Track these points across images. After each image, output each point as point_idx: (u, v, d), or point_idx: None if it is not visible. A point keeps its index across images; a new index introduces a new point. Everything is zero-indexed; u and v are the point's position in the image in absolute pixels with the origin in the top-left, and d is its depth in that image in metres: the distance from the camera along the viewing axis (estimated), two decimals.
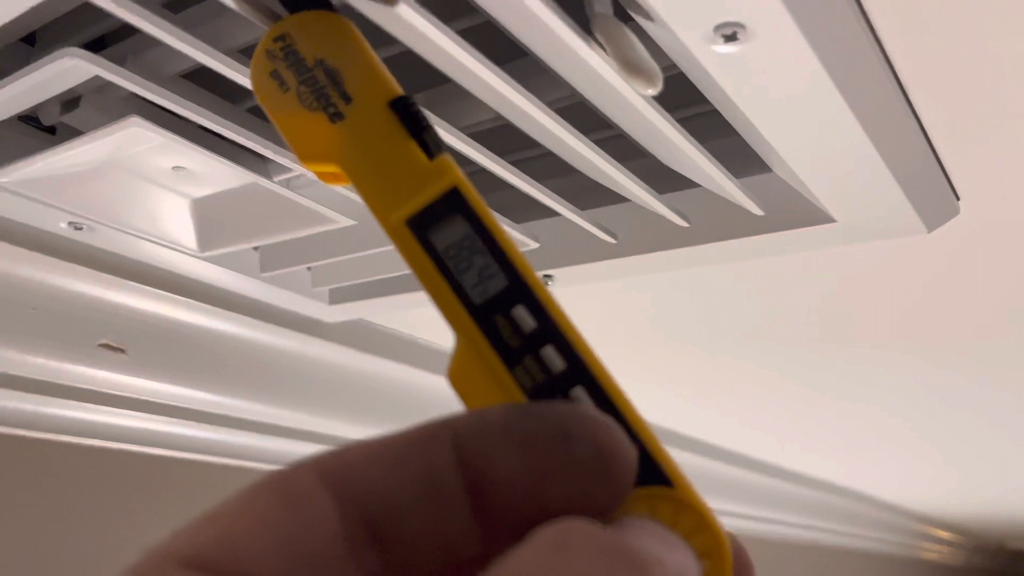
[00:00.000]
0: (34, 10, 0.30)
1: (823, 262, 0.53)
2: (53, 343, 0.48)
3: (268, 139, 0.36)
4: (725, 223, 0.43)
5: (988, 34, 0.33)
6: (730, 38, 0.28)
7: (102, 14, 0.30)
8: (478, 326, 0.19)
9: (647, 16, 0.28)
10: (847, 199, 0.40)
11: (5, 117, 0.35)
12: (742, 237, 0.43)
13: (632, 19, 0.29)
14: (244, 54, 0.32)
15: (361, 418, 0.68)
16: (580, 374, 0.19)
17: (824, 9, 0.29)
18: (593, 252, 0.46)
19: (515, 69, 0.33)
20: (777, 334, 0.70)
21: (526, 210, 0.47)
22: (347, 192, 0.43)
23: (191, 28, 0.30)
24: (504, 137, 0.40)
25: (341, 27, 0.22)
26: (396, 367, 0.68)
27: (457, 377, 0.19)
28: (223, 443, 0.63)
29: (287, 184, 0.42)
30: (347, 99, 0.21)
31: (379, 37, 0.29)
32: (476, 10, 0.29)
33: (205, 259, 0.48)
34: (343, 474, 0.17)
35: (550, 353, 0.19)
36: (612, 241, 0.46)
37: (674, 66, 0.32)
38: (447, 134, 0.35)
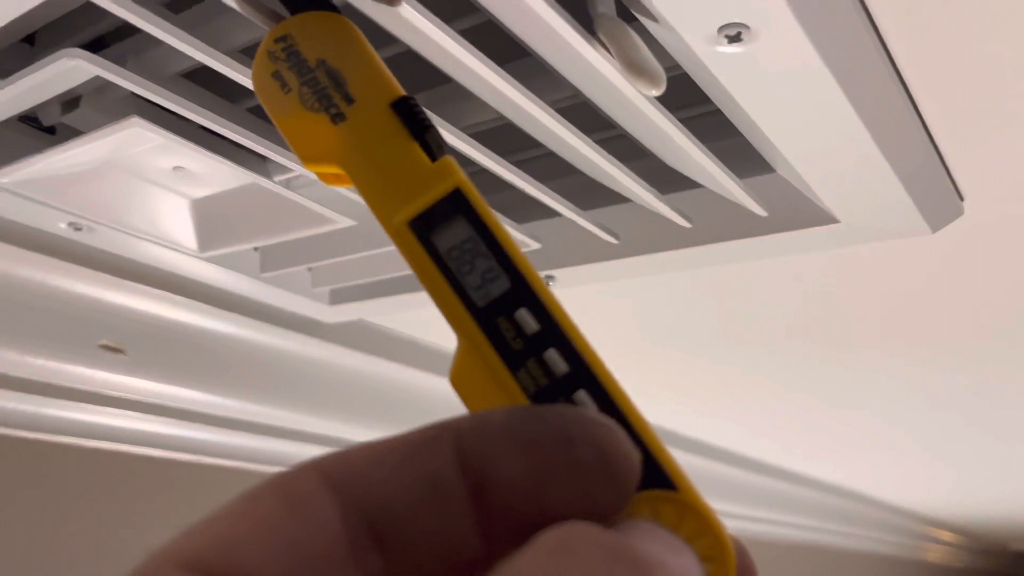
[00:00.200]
0: (34, 10, 0.30)
1: (823, 263, 0.53)
2: (53, 344, 0.48)
3: (268, 139, 0.36)
4: (728, 224, 0.43)
5: (991, 36, 0.33)
6: (734, 39, 0.28)
7: (102, 14, 0.29)
8: (480, 329, 0.19)
9: (651, 17, 0.28)
10: (851, 200, 0.40)
11: (5, 117, 0.35)
12: (745, 238, 0.43)
13: (635, 19, 0.29)
14: (245, 54, 0.32)
15: (362, 419, 0.68)
16: (583, 377, 0.19)
17: (828, 10, 0.29)
18: (595, 253, 0.46)
19: (517, 69, 0.33)
20: (777, 336, 0.70)
21: (528, 210, 0.47)
22: (347, 192, 0.43)
23: (192, 28, 0.30)
24: (506, 137, 0.40)
25: (343, 28, 0.22)
26: (396, 368, 0.68)
27: (459, 379, 0.19)
28: (223, 444, 0.63)
29: (287, 184, 0.42)
30: (349, 100, 0.21)
31: (381, 37, 0.29)
32: (478, 10, 0.29)
33: (205, 259, 0.48)
34: (345, 476, 0.17)
35: (553, 356, 0.19)
36: (614, 242, 0.46)
37: (677, 66, 0.32)
38: (449, 134, 0.35)
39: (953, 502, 1.95)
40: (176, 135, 0.35)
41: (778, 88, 0.31)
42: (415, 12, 0.27)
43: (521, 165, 0.40)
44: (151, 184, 0.41)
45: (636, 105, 0.33)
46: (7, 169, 0.37)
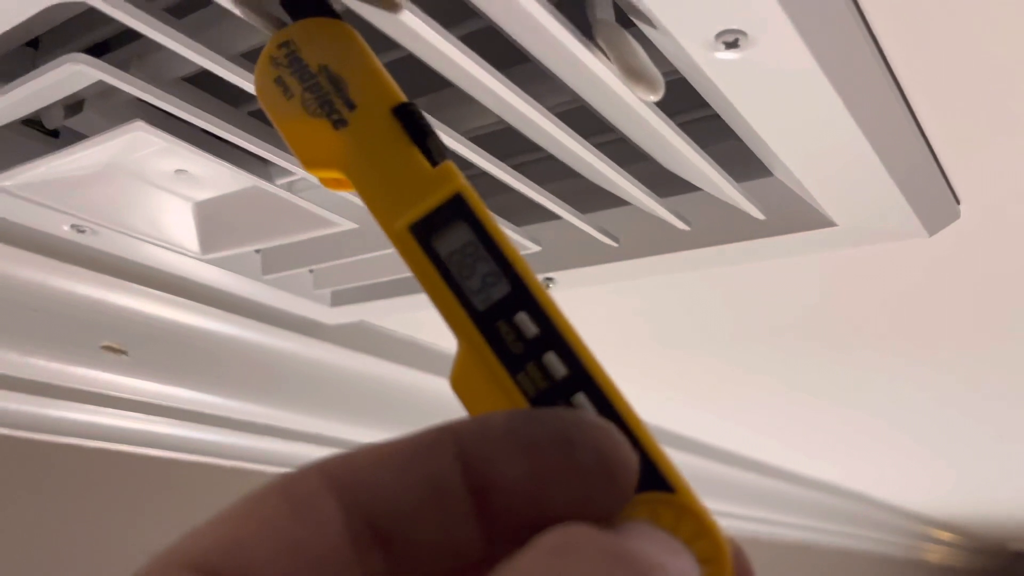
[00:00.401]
0: (39, 15, 0.30)
1: (824, 264, 0.53)
2: (55, 345, 0.48)
3: (270, 143, 0.36)
4: (726, 227, 0.43)
5: (987, 39, 0.33)
6: (731, 45, 0.28)
7: (107, 19, 0.30)
8: (481, 332, 0.19)
9: (649, 23, 0.28)
10: (848, 203, 0.40)
11: (9, 121, 0.35)
12: (743, 241, 0.43)
13: (634, 25, 0.29)
14: (247, 58, 0.32)
15: (363, 420, 0.68)
16: (582, 380, 0.19)
17: (825, 16, 0.29)
18: (595, 255, 0.47)
19: (517, 74, 0.33)
20: (778, 336, 0.70)
21: (528, 213, 0.47)
22: (349, 195, 0.43)
23: (194, 33, 0.30)
24: (506, 141, 0.40)
25: (344, 33, 0.22)
26: (398, 369, 0.68)
27: (459, 383, 0.19)
28: (225, 445, 0.63)
29: (289, 187, 0.42)
30: (351, 106, 0.21)
31: (382, 42, 0.29)
32: (478, 15, 0.29)
33: (207, 262, 0.48)
34: (348, 478, 0.17)
35: (552, 359, 0.19)
36: (614, 244, 0.46)
37: (675, 71, 0.32)
38: (449, 138, 0.35)
39: (952, 502, 1.95)
40: (179, 139, 0.35)
41: (775, 93, 0.31)
42: (416, 18, 0.27)
43: (521, 169, 0.40)
44: (154, 187, 0.42)
45: (635, 110, 0.33)
46: (11, 172, 0.37)
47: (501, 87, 0.31)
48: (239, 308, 0.55)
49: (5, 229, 0.44)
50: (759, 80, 0.30)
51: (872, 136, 0.34)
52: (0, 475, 0.54)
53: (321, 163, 0.22)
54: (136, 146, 0.37)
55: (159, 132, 0.35)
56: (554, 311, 0.19)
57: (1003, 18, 0.32)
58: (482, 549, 0.17)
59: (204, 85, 0.37)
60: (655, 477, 0.18)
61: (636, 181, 0.40)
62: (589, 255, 0.47)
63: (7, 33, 0.31)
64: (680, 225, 0.44)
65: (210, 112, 0.34)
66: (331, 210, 0.42)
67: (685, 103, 0.37)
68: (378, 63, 0.22)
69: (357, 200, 0.43)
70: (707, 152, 0.37)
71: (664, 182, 0.43)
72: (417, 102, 0.22)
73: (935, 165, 0.41)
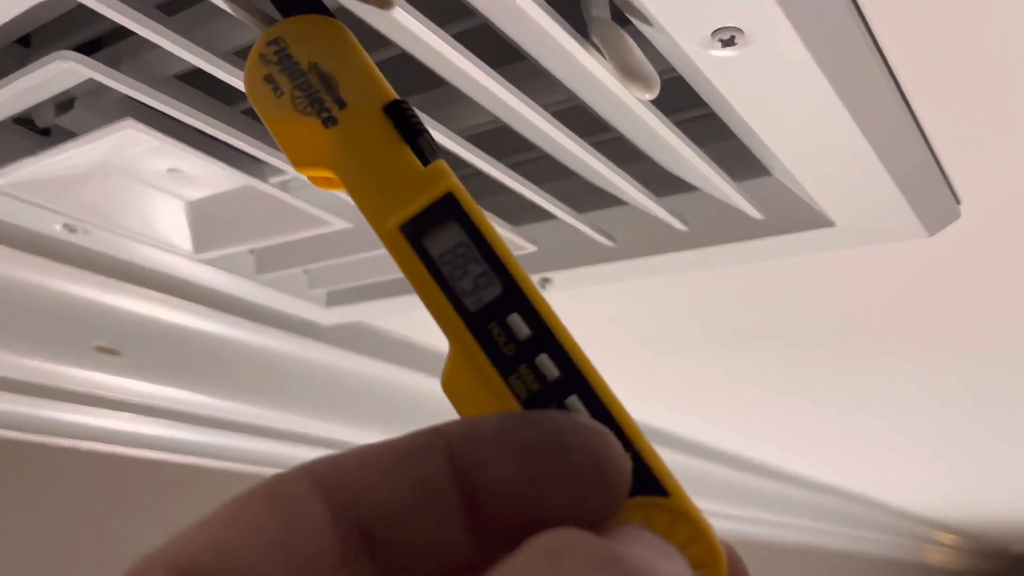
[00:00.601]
0: (30, 11, 0.29)
1: (823, 264, 0.53)
2: (48, 346, 0.48)
3: (263, 141, 0.36)
4: (724, 226, 0.43)
5: (987, 38, 0.33)
6: (728, 43, 0.28)
7: (98, 16, 0.29)
8: (472, 334, 0.19)
9: (645, 20, 0.28)
10: (846, 202, 0.40)
11: (0, 119, 0.35)
12: (741, 240, 0.43)
13: (630, 23, 0.29)
14: (239, 56, 0.32)
15: (358, 421, 0.68)
16: (575, 383, 0.19)
17: (822, 14, 0.29)
18: (591, 255, 0.46)
19: (512, 72, 0.33)
20: (778, 338, 0.70)
21: (524, 213, 0.47)
22: (342, 194, 0.43)
23: (185, 31, 0.30)
24: (501, 140, 0.40)
25: (335, 31, 0.22)
26: (393, 369, 0.68)
27: (451, 385, 0.19)
28: (219, 446, 0.63)
29: (282, 186, 0.41)
30: (341, 104, 0.21)
31: (375, 40, 0.29)
32: (472, 13, 0.29)
33: (200, 261, 0.48)
34: (336, 481, 0.17)
35: (545, 361, 0.19)
36: (610, 244, 0.46)
37: (672, 69, 0.32)
38: (444, 137, 0.35)
39: (953, 504, 1.95)
40: (171, 137, 0.35)
41: (772, 92, 0.31)
42: (408, 16, 0.27)
43: (517, 168, 0.39)
44: (146, 186, 0.41)
45: (631, 108, 0.33)
46: (1, 171, 0.37)
47: (496, 85, 0.31)
48: (233, 308, 0.55)
49: None
50: (756, 78, 0.30)
51: (871, 135, 0.34)
52: None
53: (311, 162, 0.21)
54: (127, 144, 0.36)
55: (150, 130, 0.34)
56: (547, 312, 0.19)
57: (1003, 17, 0.31)
58: (473, 552, 0.17)
59: (197, 83, 0.36)
60: (649, 481, 0.18)
61: (633, 180, 0.39)
62: (586, 255, 0.46)
63: None
64: (678, 225, 0.43)
65: (202, 110, 0.34)
66: (326, 209, 0.42)
67: (682, 101, 0.37)
68: (369, 61, 0.22)
69: (351, 200, 0.43)
70: (705, 151, 0.37)
71: (661, 181, 0.42)
72: (411, 100, 0.22)
73: (935, 164, 0.41)
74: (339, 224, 0.43)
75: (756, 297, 0.59)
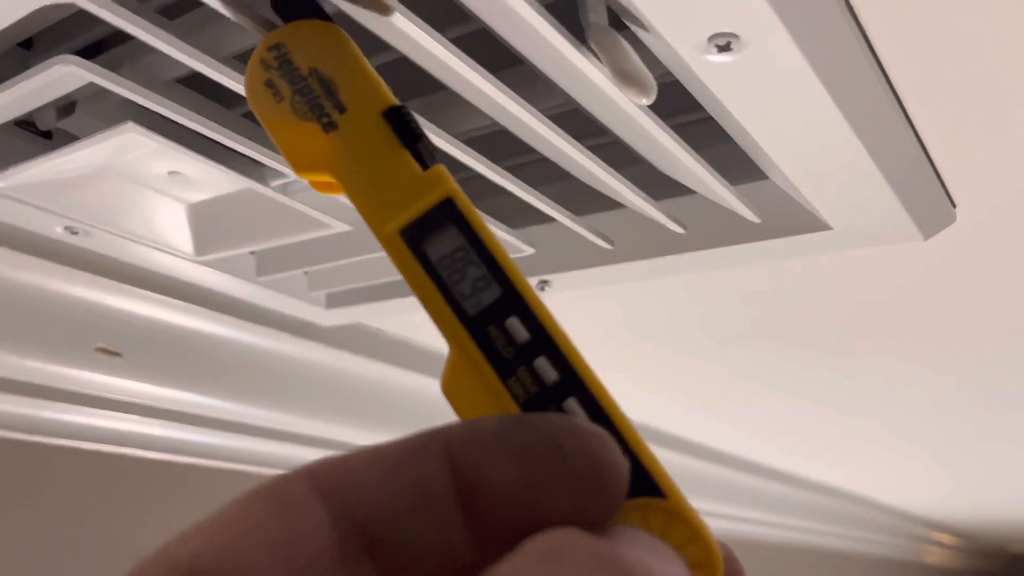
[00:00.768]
0: (31, 15, 0.30)
1: (822, 266, 0.53)
2: (49, 347, 0.48)
3: (263, 145, 0.36)
4: (721, 230, 0.43)
5: (982, 43, 0.33)
6: (724, 48, 0.28)
7: (99, 20, 0.30)
8: (471, 337, 0.19)
9: (641, 26, 0.28)
10: (842, 206, 0.40)
11: (1, 122, 0.35)
12: (738, 244, 0.43)
13: (626, 28, 0.29)
14: (239, 60, 0.32)
15: (358, 422, 0.68)
16: (573, 385, 0.19)
17: (817, 19, 0.29)
18: (589, 258, 0.46)
19: (510, 76, 0.33)
20: (775, 339, 0.70)
21: (522, 216, 0.47)
22: (343, 198, 0.43)
23: (186, 35, 0.30)
24: (500, 143, 0.40)
25: (335, 36, 0.22)
26: (393, 371, 0.68)
27: (450, 387, 0.19)
28: (219, 447, 0.63)
29: (283, 189, 0.42)
30: (341, 109, 0.21)
31: (374, 45, 0.29)
32: (470, 18, 0.29)
33: (201, 263, 0.48)
34: (336, 483, 0.17)
35: (543, 364, 0.19)
36: (608, 247, 0.46)
37: (669, 74, 0.32)
38: (442, 140, 0.35)
39: (951, 504, 1.95)
40: (171, 140, 0.35)
41: (768, 96, 0.31)
42: (408, 21, 0.27)
43: (515, 171, 0.40)
44: (147, 189, 0.41)
45: (628, 113, 0.33)
46: (3, 174, 0.37)
47: (494, 90, 0.31)
48: (234, 310, 0.55)
49: None
50: (752, 83, 0.30)
51: (866, 139, 0.34)
52: None
53: (311, 167, 0.21)
54: (128, 148, 0.37)
55: (151, 134, 0.34)
56: (545, 316, 0.19)
57: (997, 22, 0.32)
58: (472, 554, 0.17)
59: (197, 87, 0.37)
60: (646, 482, 0.18)
61: (631, 184, 0.39)
62: (584, 258, 0.47)
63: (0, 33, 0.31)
64: (675, 228, 0.44)
65: (203, 114, 0.34)
66: (326, 212, 0.42)
67: (679, 106, 0.37)
68: (369, 66, 0.22)
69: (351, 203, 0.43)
70: (702, 155, 0.37)
71: (659, 185, 0.42)
72: (410, 104, 0.22)
73: (931, 168, 0.41)
74: (339, 227, 0.43)
75: (757, 298, 0.60)
